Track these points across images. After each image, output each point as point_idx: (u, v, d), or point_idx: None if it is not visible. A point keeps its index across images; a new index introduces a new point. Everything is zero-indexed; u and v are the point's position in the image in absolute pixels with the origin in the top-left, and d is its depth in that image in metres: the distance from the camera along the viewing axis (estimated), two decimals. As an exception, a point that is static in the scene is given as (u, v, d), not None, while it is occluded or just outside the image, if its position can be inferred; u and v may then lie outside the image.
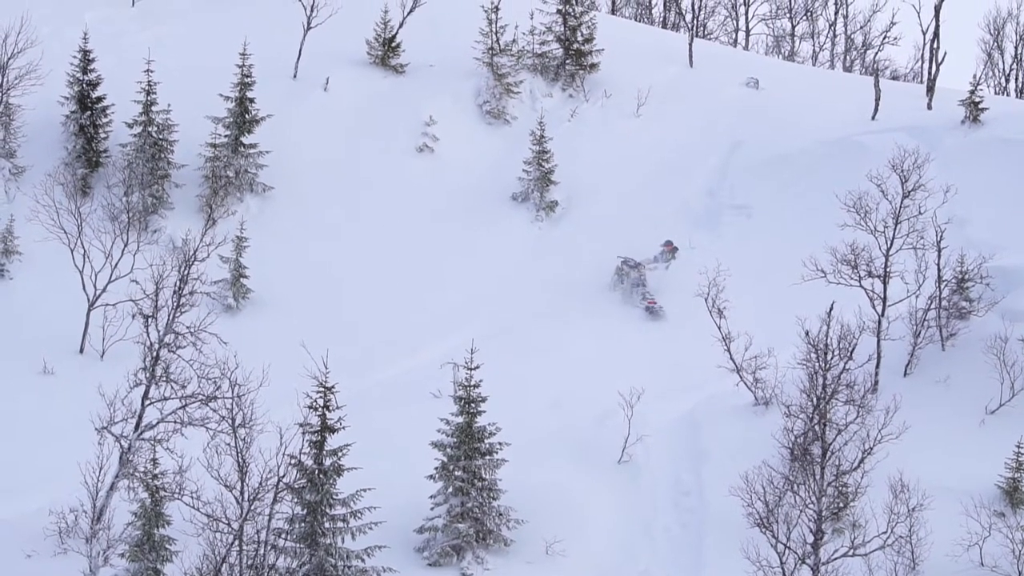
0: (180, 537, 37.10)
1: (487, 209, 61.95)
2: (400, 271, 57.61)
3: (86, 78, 60.83)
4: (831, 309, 41.50)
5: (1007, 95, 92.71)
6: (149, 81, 59.57)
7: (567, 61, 69.56)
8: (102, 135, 60.58)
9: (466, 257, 58.84)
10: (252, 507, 35.33)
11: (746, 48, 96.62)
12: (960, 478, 40.47)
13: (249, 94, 60.60)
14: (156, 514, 36.77)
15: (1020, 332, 44.67)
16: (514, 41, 69.04)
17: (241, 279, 55.04)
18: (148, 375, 40.22)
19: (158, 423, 39.47)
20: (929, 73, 70.94)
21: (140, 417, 39.67)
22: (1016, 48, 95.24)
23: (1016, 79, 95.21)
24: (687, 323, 52.92)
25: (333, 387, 37.77)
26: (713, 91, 69.15)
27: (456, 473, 40.72)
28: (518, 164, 62.52)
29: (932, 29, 71.92)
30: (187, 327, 41.70)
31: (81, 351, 51.04)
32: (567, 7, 69.49)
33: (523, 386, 48.16)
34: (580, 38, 69.72)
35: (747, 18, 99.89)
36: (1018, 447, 40.21)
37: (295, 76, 66.28)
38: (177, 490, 37.15)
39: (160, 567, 36.55)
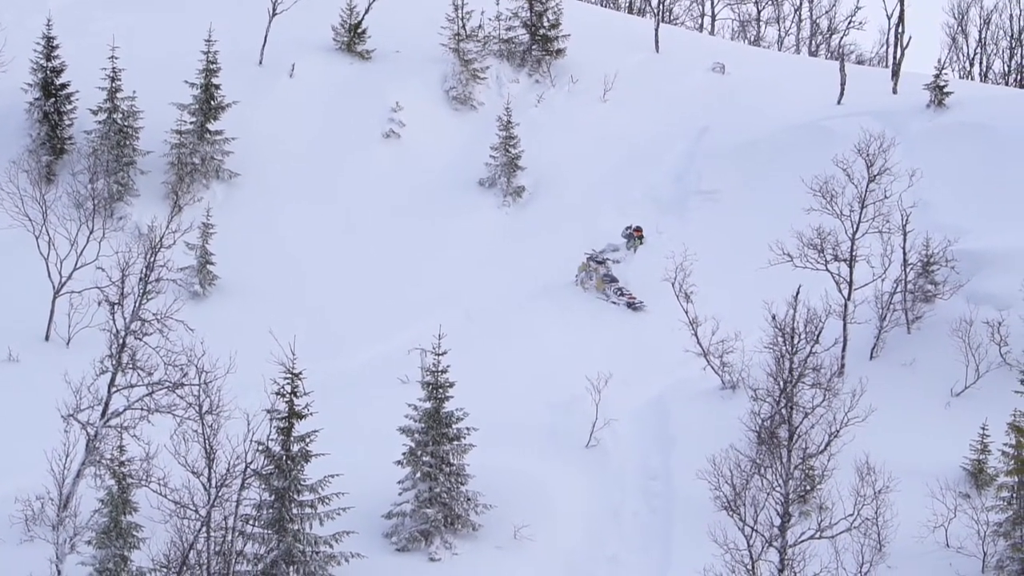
0: (147, 524, 37.02)
1: (454, 195, 61.93)
2: (367, 257, 57.54)
3: (50, 65, 60.56)
4: (797, 293, 41.62)
5: (971, 79, 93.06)
6: (114, 68, 59.32)
7: (533, 47, 69.54)
8: (67, 122, 60.34)
9: (433, 243, 58.80)
10: (219, 493, 35.32)
11: (712, 33, 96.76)
12: (926, 460, 40.66)
13: (215, 81, 60.41)
14: (123, 501, 36.68)
15: (985, 315, 44.89)
16: (480, 27, 68.99)
17: (207, 266, 54.91)
18: (114, 362, 40.09)
19: (125, 410, 39.38)
20: (894, 58, 71.20)
21: (106, 404, 39.55)
22: (980, 32, 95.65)
23: (980, 63, 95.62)
24: (654, 308, 53.05)
25: (300, 373, 37.72)
26: (680, 76, 69.23)
27: (424, 458, 40.70)
28: (485, 150, 62.49)
29: (897, 14, 72.18)
30: (153, 314, 41.58)
31: (47, 338, 50.82)
32: (533, -7, 69.52)
33: (491, 371, 48.17)
34: (546, 23, 69.72)
35: (712, 3, 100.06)
36: (983, 429, 40.41)
37: (261, 63, 66.10)
38: (144, 477, 37.09)
39: (127, 554, 36.46)
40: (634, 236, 57.89)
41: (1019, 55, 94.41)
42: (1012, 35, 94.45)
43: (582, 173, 62.88)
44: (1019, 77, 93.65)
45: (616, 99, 67.42)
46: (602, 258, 56.71)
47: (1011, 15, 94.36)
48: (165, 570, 35.38)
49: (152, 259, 41.80)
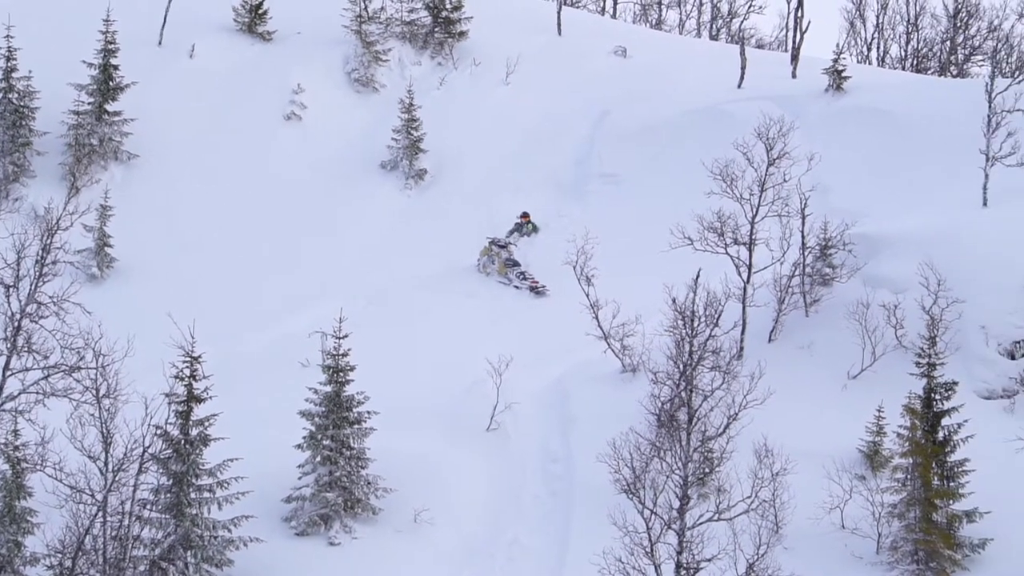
0: (42, 509, 36.63)
1: (356, 177, 61.71)
2: (268, 239, 57.24)
3: (-57, 44, 59.73)
4: (698, 276, 41.84)
5: (869, 64, 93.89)
6: (9, 47, 58.58)
7: (436, 29, 69.36)
8: (-40, 102, 59.55)
9: (335, 225, 58.59)
10: (116, 478, 35.04)
11: (614, 16, 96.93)
12: (823, 442, 41.02)
13: (113, 61, 59.80)
14: (17, 486, 36.30)
15: (881, 298, 45.33)
16: (382, 9, 68.73)
17: (105, 248, 54.39)
18: (9, 345, 39.51)
19: (19, 394, 38.77)
20: (793, 42, 71.69)
21: (1, 388, 38.99)
22: (877, 17, 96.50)
23: (878, 48, 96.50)
24: (556, 292, 53.15)
25: (199, 357, 37.47)
26: (582, 60, 69.34)
27: (324, 442, 40.57)
28: (387, 132, 62.30)
29: (797, -2, 72.58)
30: (50, 297, 41.00)
31: (-59, 322, 50.11)
32: (435, -25, 69.31)
33: (392, 355, 48.04)
34: (449, 6, 69.52)
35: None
36: (879, 411, 40.83)
37: (160, 43, 65.48)
38: (39, 461, 36.67)
39: (21, 539, 36.10)
40: (523, 223, 57.80)
41: (916, 40, 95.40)
42: (909, 20, 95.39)
43: (484, 156, 62.87)
44: (915, 62, 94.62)
45: (518, 82, 67.42)
46: (504, 242, 56.73)
47: (907, 0, 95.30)
48: (60, 555, 35.07)
49: (48, 241, 41.19)
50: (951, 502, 37.90)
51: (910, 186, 53.42)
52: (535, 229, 58.02)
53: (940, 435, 38.29)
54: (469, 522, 40.97)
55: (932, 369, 38.57)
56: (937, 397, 38.43)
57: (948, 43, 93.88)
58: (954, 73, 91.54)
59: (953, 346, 42.44)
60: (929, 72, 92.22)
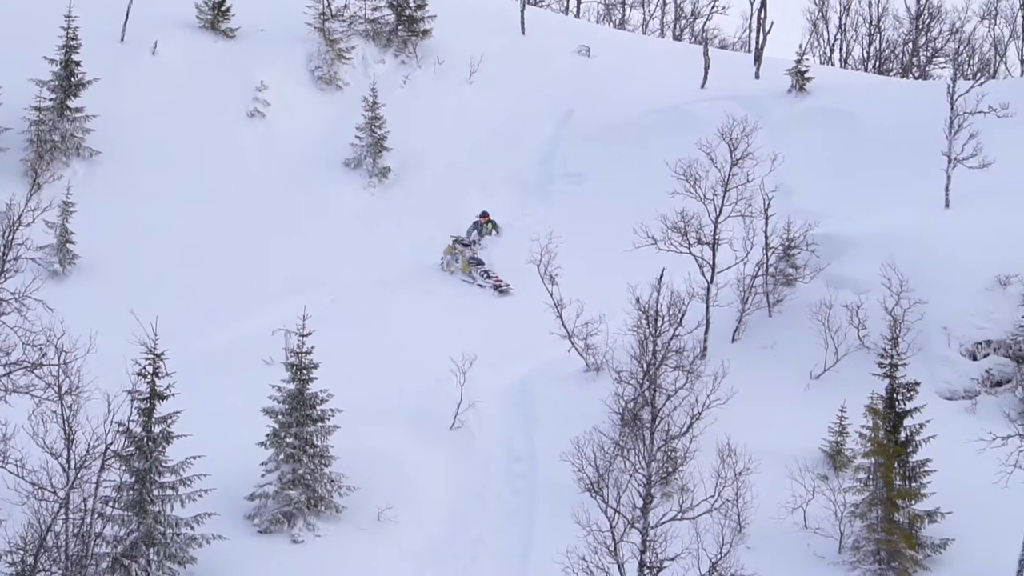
0: (4, 506, 36.37)
1: (320, 175, 61.62)
2: (231, 237, 57.05)
3: (-95, 38, 59.37)
4: (661, 276, 41.88)
5: (832, 65, 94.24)
6: (-29, 42, 58.30)
7: (399, 27, 69.33)
8: (-80, 97, 59.19)
9: (298, 223, 58.45)
10: (79, 475, 34.83)
11: (578, 16, 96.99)
12: (785, 442, 41.13)
13: (75, 57, 59.56)
14: (-21, 483, 36.07)
15: (844, 299, 45.50)
16: (346, 6, 68.72)
17: (68, 245, 54.14)
18: (-29, 342, 39.42)
19: (-19, 390, 38.72)
20: (756, 42, 71.89)
21: (-37, 384, 38.86)
22: (840, 19, 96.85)
23: (840, 49, 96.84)
24: (520, 291, 53.21)
25: (162, 354, 37.31)
26: (545, 59, 69.43)
27: (288, 440, 40.46)
28: (351, 130, 62.23)
29: None
30: (11, 293, 40.86)
31: (-99, 318, 49.80)
32: (399, -27, 69.25)
33: (356, 353, 47.96)
34: (412, 4, 69.54)
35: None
36: (841, 411, 40.96)
37: (123, 39, 65.23)
38: (1, 458, 36.46)
39: (-17, 537, 35.88)
40: (482, 223, 57.74)
41: (878, 42, 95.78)
42: (871, 22, 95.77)
43: (448, 155, 62.86)
44: (878, 64, 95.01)
45: (482, 81, 67.46)
46: (468, 240, 56.69)
47: (870, 2, 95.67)
48: (22, 552, 34.87)
49: (10, 237, 41.04)
50: (913, 502, 38.05)
51: (873, 187, 53.65)
52: (495, 228, 57.96)
53: (902, 435, 38.43)
54: (433, 520, 40.94)
55: (894, 370, 38.71)
56: (899, 398, 38.56)
57: (910, 45, 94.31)
58: (916, 75, 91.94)
59: (915, 347, 42.64)
60: (891, 74, 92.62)
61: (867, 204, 52.11)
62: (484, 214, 58.08)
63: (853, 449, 40.22)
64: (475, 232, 57.34)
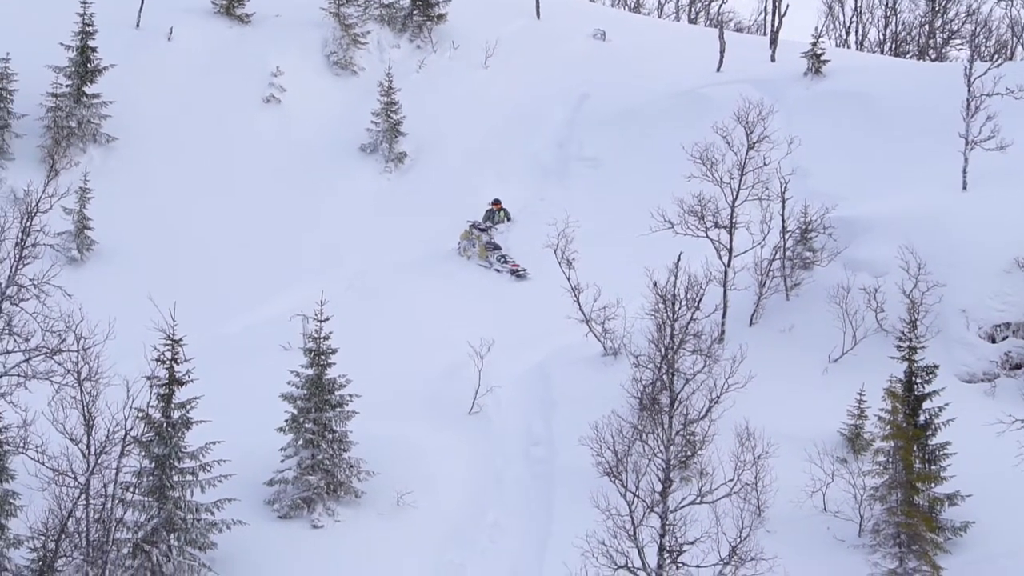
0: (25, 492, 36.53)
1: (336, 161, 61.61)
2: (247, 223, 57.08)
3: (-79, 25, 59.45)
4: (678, 260, 41.81)
5: (847, 47, 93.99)
6: (-13, 29, 58.37)
7: (414, 12, 69.24)
8: (-62, 84, 59.29)
9: (314, 209, 58.48)
10: (99, 461, 34.96)
11: (592, 0, 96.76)
12: (804, 426, 41.11)
13: (91, 43, 59.62)
14: None
15: (862, 281, 45.42)
16: (361, -9, 68.60)
17: (85, 231, 54.26)
18: (-10, 328, 39.54)
19: (1, 376, 38.77)
20: (772, 25, 71.69)
21: (-18, 371, 39.00)
22: (856, 1, 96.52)
23: (856, 31, 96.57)
24: (537, 275, 53.18)
25: (181, 340, 37.36)
26: (561, 43, 69.30)
27: (306, 425, 40.53)
28: (366, 116, 62.21)
29: (775, -18, 72.58)
30: (30, 279, 40.98)
31: (-80, 304, 49.94)
32: (414, -43, 69.14)
33: (373, 339, 48.05)
34: (427, -11, 69.41)
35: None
36: (860, 394, 40.92)
37: (138, 25, 65.22)
38: (21, 444, 36.57)
39: (4, 522, 35.98)
40: (495, 210, 57.67)
41: (894, 24, 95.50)
42: (887, 4, 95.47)
43: (464, 140, 62.82)
44: (894, 46, 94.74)
45: (497, 65, 67.38)
46: (485, 225, 56.67)
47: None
48: (43, 538, 35.00)
49: (28, 224, 41.16)
50: (933, 485, 38.02)
51: (890, 169, 53.53)
52: (507, 217, 57.85)
53: (921, 418, 38.39)
54: (451, 505, 40.98)
55: (913, 353, 38.65)
56: (918, 380, 38.51)
57: (927, 27, 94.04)
58: (933, 57, 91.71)
59: (934, 329, 42.59)
60: (908, 56, 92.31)
61: (884, 187, 52.00)
62: (496, 201, 58.02)
63: (872, 432, 40.19)
64: (488, 220, 57.28)
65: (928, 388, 38.51)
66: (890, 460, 38.45)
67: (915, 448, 38.23)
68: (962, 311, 44.27)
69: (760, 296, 47.04)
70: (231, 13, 67.27)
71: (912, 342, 38.76)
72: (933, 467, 38.20)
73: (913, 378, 38.54)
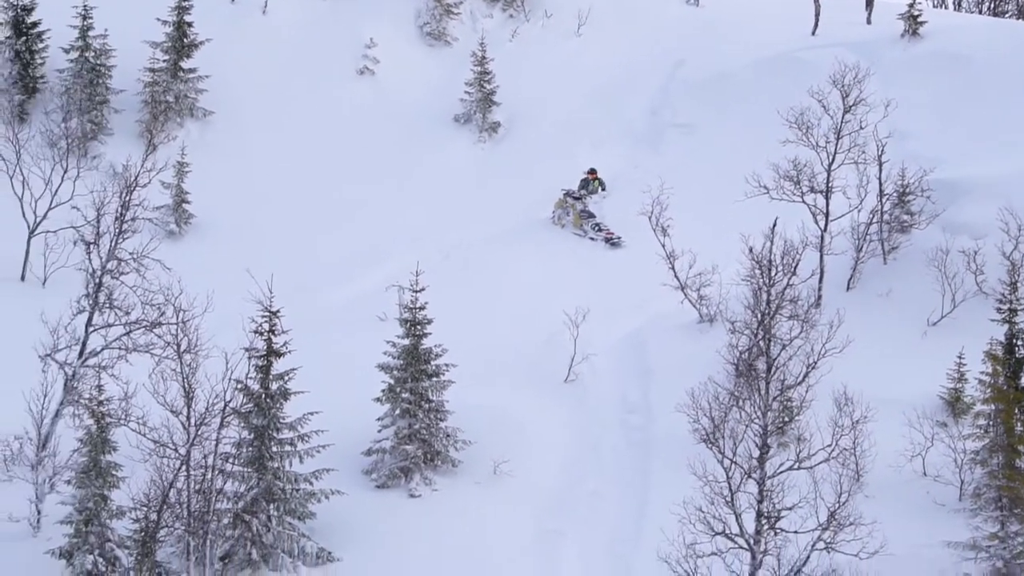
0: (127, 463, 36.96)
1: (430, 131, 61.75)
2: (343, 195, 57.40)
3: (20, 3, 60.15)
4: (774, 225, 41.58)
5: (945, 8, 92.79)
6: (85, 5, 58.94)
7: (507, -19, 69.15)
8: (38, 61, 59.99)
9: (409, 180, 58.69)
10: (199, 432, 35.31)
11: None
12: (903, 390, 40.80)
13: (187, 18, 60.09)
14: (102, 440, 36.59)
15: (960, 244, 44.99)
16: (454, -39, 68.57)
17: (183, 204, 54.78)
18: (91, 302, 40.00)
19: (102, 350, 39.28)
20: (868, -12, 70.85)
21: (84, 344, 39.47)
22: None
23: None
24: (632, 243, 53.05)
25: (278, 311, 37.59)
26: (654, 9, 68.93)
27: (403, 395, 40.72)
28: (460, 86, 62.28)
29: (871, -57, 71.71)
30: (130, 253, 41.46)
31: (22, 279, 50.68)
32: (506, -74, 68.97)
33: (468, 308, 48.14)
34: (520, -42, 69.26)
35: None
36: (959, 358, 40.56)
37: (233, 0, 65.63)
38: (123, 416, 37.01)
39: (107, 493, 36.44)
40: (589, 180, 57.45)
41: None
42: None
43: (557, 108, 62.72)
44: (993, 6, 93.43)
45: (590, 33, 67.18)
46: (579, 193, 56.59)
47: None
48: (146, 509, 35.43)
49: (127, 198, 41.64)
50: (1034, 448, 37.63)
51: (989, 131, 52.81)
52: (602, 186, 57.64)
53: (1023, 381, 37.93)
54: (548, 473, 41.04)
55: (1013, 315, 38.12)
56: (1019, 343, 37.95)
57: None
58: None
59: (1035, 291, 42.03)
60: (1007, 15, 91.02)
61: (983, 148, 51.35)
62: (592, 171, 57.77)
63: (972, 396, 39.83)
64: (583, 188, 57.15)
65: (1029, 351, 38.06)
66: (991, 423, 38.06)
67: (1016, 411, 37.75)
68: (1064, 272, 43.64)
69: (857, 260, 46.69)
70: (324, -14, 67.50)
71: (1012, 304, 38.24)
72: (1035, 430, 37.77)
73: (1014, 340, 38.03)
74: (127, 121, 59.01)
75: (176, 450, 35.29)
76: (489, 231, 55.05)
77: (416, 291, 40.61)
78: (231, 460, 37.15)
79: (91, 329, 39.69)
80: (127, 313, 39.65)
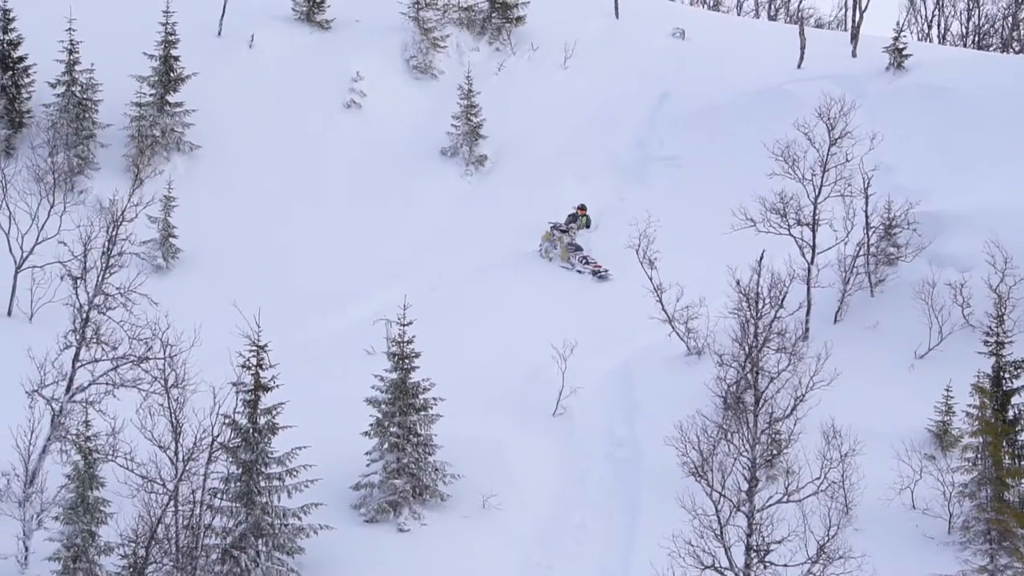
0: (115, 499, 36.88)
1: (416, 164, 61.82)
2: (329, 228, 57.41)
3: (6, 38, 60.19)
4: (761, 258, 41.65)
5: (929, 41, 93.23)
6: (71, 40, 58.98)
7: (493, 14, 69.36)
8: (24, 95, 60.02)
9: (396, 213, 58.72)
10: (187, 467, 35.21)
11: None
12: (891, 423, 40.83)
13: (173, 52, 60.14)
14: (90, 476, 36.52)
15: (947, 277, 45.06)
16: (439, -5, 68.78)
17: (170, 239, 54.75)
18: (78, 337, 39.87)
19: (89, 385, 39.14)
20: (853, 20, 71.28)
21: (71, 379, 39.31)
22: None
23: (938, 25, 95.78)
24: (619, 276, 53.11)
25: (265, 345, 37.57)
26: (640, 42, 69.16)
27: (391, 429, 40.66)
28: (446, 119, 62.39)
29: (856, -24, 72.12)
30: (117, 288, 41.36)
31: (9, 314, 50.61)
32: (492, -40, 69.23)
33: (456, 341, 48.17)
34: (506, -9, 69.50)
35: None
36: (947, 391, 40.60)
37: (220, 33, 65.74)
38: (110, 452, 36.92)
39: (95, 529, 36.33)
40: (578, 215, 57.53)
41: (977, 16, 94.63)
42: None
43: (544, 141, 62.84)
44: (977, 39, 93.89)
45: (576, 66, 67.37)
46: (566, 227, 56.65)
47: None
48: (134, 544, 35.29)
49: (114, 233, 41.55)
50: (1023, 481, 37.60)
51: (974, 163, 53.01)
52: (588, 223, 57.67)
53: (1010, 413, 37.98)
54: (537, 507, 40.98)
55: (1001, 347, 38.24)
56: (1006, 375, 38.10)
57: (1010, 19, 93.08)
58: (1016, 50, 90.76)
59: (1022, 324, 42.02)
60: (991, 49, 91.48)
61: (969, 181, 51.53)
62: (582, 207, 57.85)
63: (960, 428, 39.85)
64: (573, 223, 57.20)
65: (1017, 383, 38.09)
66: (979, 456, 38.11)
67: (1004, 443, 37.84)
68: (1050, 305, 43.72)
69: (844, 293, 46.76)
70: (311, 19, 67.68)
71: (1000, 337, 38.34)
72: (1023, 463, 37.78)
73: (1001, 373, 38.14)
74: (114, 155, 59.01)
75: (164, 485, 35.18)
76: (476, 264, 55.09)
77: (404, 324, 40.59)
78: (219, 495, 37.07)
79: (78, 364, 39.56)
80: (114, 348, 39.52)
